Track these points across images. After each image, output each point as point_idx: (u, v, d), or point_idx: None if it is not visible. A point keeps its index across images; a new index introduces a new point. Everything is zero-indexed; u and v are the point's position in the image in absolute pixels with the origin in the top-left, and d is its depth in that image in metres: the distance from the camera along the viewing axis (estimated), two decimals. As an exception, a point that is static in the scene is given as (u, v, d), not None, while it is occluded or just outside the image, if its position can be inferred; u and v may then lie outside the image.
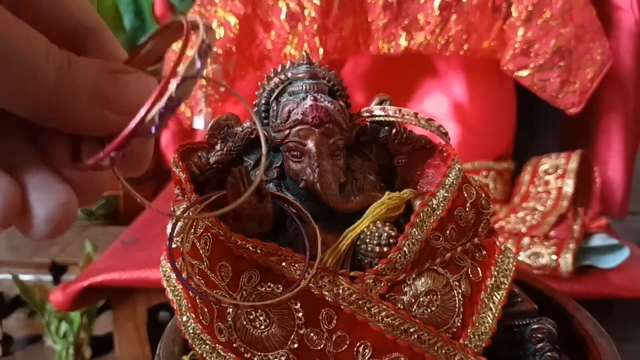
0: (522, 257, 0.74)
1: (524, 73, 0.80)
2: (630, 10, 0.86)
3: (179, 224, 0.34)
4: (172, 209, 0.37)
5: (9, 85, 0.20)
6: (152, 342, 0.83)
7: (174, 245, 0.33)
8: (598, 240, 0.76)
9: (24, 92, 0.20)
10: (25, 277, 1.00)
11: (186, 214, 0.33)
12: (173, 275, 0.36)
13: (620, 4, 0.87)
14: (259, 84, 0.38)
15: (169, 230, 0.34)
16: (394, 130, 0.39)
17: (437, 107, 0.90)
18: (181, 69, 0.20)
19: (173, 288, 0.36)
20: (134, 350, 0.83)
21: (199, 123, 0.83)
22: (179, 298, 0.35)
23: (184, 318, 0.34)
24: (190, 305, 0.34)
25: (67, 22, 0.25)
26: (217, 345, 0.32)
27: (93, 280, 0.74)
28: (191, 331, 0.33)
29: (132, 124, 0.20)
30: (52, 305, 0.80)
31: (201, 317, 0.33)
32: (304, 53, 0.38)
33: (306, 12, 0.77)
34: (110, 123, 0.22)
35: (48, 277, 1.02)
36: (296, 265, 0.32)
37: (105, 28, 0.26)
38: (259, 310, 0.32)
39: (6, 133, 0.24)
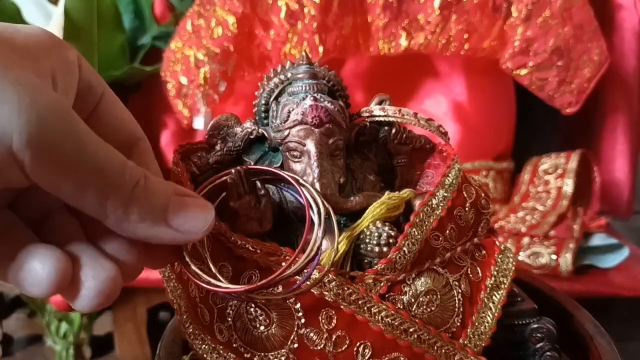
0: (522, 256, 0.74)
1: (522, 72, 0.80)
2: (633, 9, 0.86)
3: None
4: None
5: (88, 188, 0.22)
6: (152, 342, 0.83)
7: None
8: (598, 239, 0.76)
9: (100, 197, 0.23)
10: (25, 277, 1.00)
11: None
12: (173, 275, 0.36)
13: (623, 2, 0.87)
14: (259, 84, 0.38)
15: None
16: (393, 130, 0.39)
17: (437, 106, 0.90)
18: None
19: (173, 288, 0.36)
20: (134, 351, 0.83)
21: (199, 123, 0.83)
22: (179, 298, 0.35)
23: (184, 318, 0.34)
24: (190, 305, 0.34)
25: (122, 133, 0.28)
26: (217, 345, 0.32)
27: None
28: (191, 331, 0.33)
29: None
30: (52, 305, 0.80)
31: (201, 317, 0.33)
32: (303, 53, 0.38)
33: (306, 10, 0.77)
34: (165, 237, 0.25)
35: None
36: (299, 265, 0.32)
37: (145, 136, 0.30)
38: (259, 310, 0.32)
39: (56, 212, 0.26)
